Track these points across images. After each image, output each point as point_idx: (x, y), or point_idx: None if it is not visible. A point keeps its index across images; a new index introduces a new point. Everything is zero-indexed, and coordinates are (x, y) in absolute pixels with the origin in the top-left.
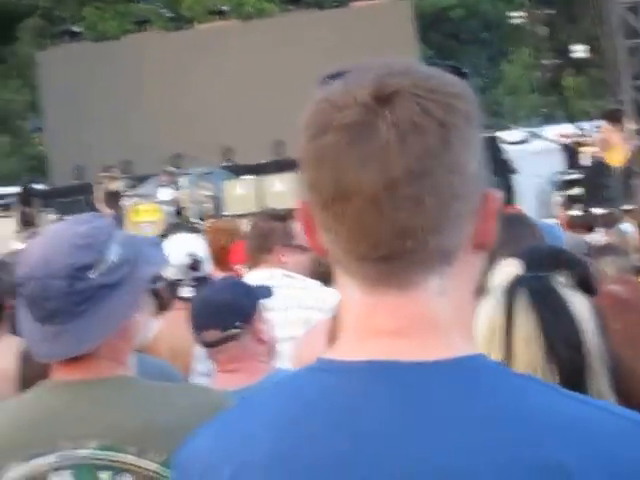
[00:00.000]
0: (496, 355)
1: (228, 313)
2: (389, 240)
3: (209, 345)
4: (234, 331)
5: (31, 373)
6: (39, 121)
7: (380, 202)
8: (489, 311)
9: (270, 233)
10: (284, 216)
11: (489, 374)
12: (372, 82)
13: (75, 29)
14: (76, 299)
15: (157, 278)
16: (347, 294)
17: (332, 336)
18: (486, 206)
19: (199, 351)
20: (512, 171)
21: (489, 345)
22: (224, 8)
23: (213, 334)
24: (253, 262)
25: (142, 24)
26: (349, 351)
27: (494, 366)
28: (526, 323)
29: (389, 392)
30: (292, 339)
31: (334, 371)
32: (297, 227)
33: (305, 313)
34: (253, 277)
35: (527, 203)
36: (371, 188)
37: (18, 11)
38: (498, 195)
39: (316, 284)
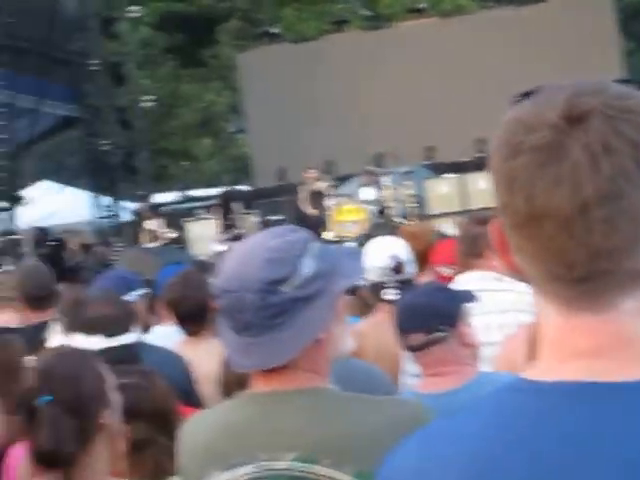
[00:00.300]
0: None
1: (433, 316)
2: (583, 262)
3: (414, 349)
4: (439, 334)
5: (232, 379)
6: (241, 123)
7: (573, 224)
8: None
9: (479, 237)
10: (493, 218)
11: None
12: (563, 102)
13: (273, 30)
14: (269, 313)
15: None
16: (544, 315)
17: (531, 344)
18: None
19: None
20: None
21: None
22: (422, 5)
23: (418, 337)
24: (463, 266)
25: (340, 24)
26: (547, 371)
27: None
28: None
29: (580, 414)
30: (496, 343)
31: (532, 391)
32: None
33: (517, 316)
34: (464, 280)
35: None
36: (563, 210)
37: (217, 14)
38: None
39: (526, 287)
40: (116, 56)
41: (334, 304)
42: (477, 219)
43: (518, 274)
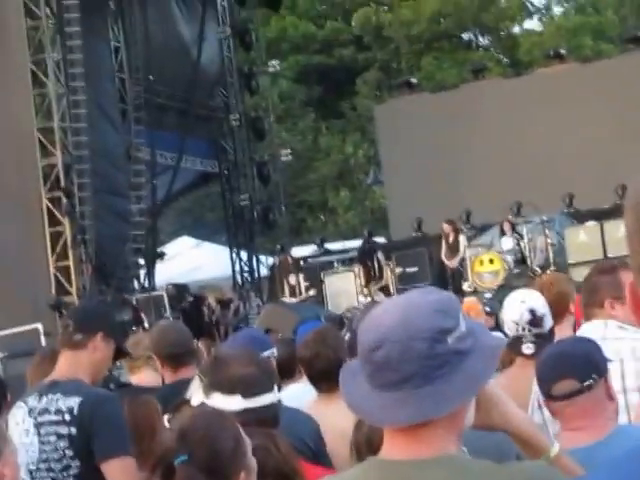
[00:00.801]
0: None
1: (585, 364)
2: None
3: (562, 397)
4: (590, 382)
5: (362, 440)
6: (379, 174)
7: None
8: None
9: (601, 286)
10: (614, 268)
11: None
12: None
13: (413, 80)
14: (434, 363)
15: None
16: None
17: None
18: None
19: (535, 402)
20: None
21: None
22: (562, 51)
23: (569, 384)
24: (585, 315)
25: (480, 72)
26: None
27: None
28: None
29: None
30: (629, 391)
31: None
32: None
33: (636, 365)
34: (586, 329)
35: None
36: None
37: (356, 65)
38: None
39: None
40: (256, 110)
41: (493, 358)
42: (600, 268)
43: None
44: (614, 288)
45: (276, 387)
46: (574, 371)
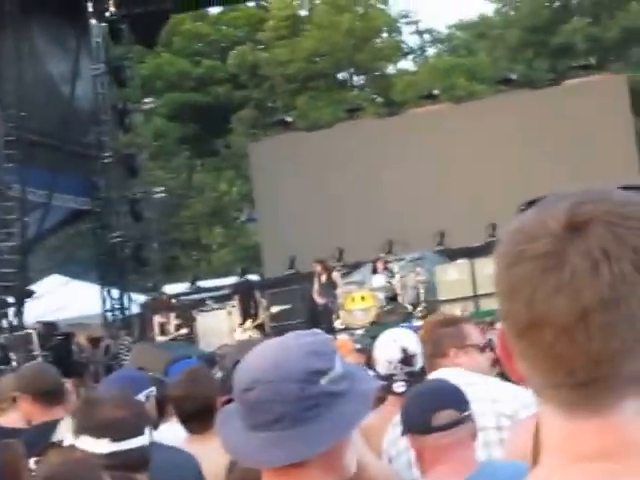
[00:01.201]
0: None
1: (462, 396)
2: (584, 368)
3: (442, 427)
4: (468, 413)
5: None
6: (253, 212)
7: (573, 331)
8: None
9: (444, 338)
10: (456, 320)
11: None
12: (565, 211)
13: (287, 118)
14: (305, 404)
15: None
16: (545, 419)
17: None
18: None
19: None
20: None
21: None
22: (435, 92)
23: (449, 414)
24: (430, 365)
25: (354, 111)
26: (550, 475)
27: None
28: None
29: None
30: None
31: None
32: (469, 328)
33: (493, 406)
34: (434, 377)
35: None
36: (563, 317)
37: (231, 103)
38: None
39: (496, 381)
40: (129, 148)
41: (364, 403)
42: (442, 321)
43: (521, 381)
44: (458, 339)
45: (148, 430)
46: (454, 402)
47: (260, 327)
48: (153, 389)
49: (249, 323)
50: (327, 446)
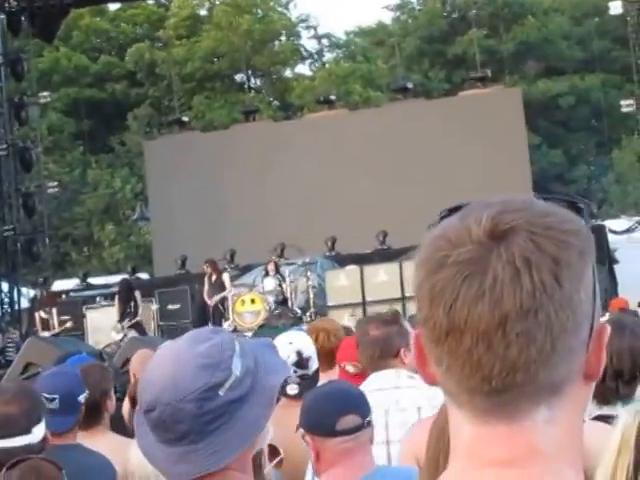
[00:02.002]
0: (622, 465)
1: (365, 402)
2: (500, 374)
3: (347, 432)
4: (370, 419)
5: None
6: (146, 210)
7: (492, 338)
8: (626, 423)
9: (392, 336)
10: (396, 317)
11: None
12: (487, 219)
13: (184, 118)
14: (207, 419)
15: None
16: (457, 424)
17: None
18: (597, 339)
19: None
20: (615, 261)
21: (617, 455)
22: (332, 97)
23: (352, 419)
24: (375, 367)
25: (251, 113)
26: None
27: None
28: None
29: None
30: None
31: None
32: (408, 326)
33: (434, 412)
34: (379, 377)
35: (631, 293)
36: (483, 324)
37: (129, 100)
38: (607, 328)
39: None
40: (24, 141)
41: (268, 401)
42: (384, 320)
43: (435, 385)
44: (405, 337)
45: (38, 428)
46: (358, 408)
47: (137, 326)
48: (87, 393)
49: (126, 322)
50: (234, 456)
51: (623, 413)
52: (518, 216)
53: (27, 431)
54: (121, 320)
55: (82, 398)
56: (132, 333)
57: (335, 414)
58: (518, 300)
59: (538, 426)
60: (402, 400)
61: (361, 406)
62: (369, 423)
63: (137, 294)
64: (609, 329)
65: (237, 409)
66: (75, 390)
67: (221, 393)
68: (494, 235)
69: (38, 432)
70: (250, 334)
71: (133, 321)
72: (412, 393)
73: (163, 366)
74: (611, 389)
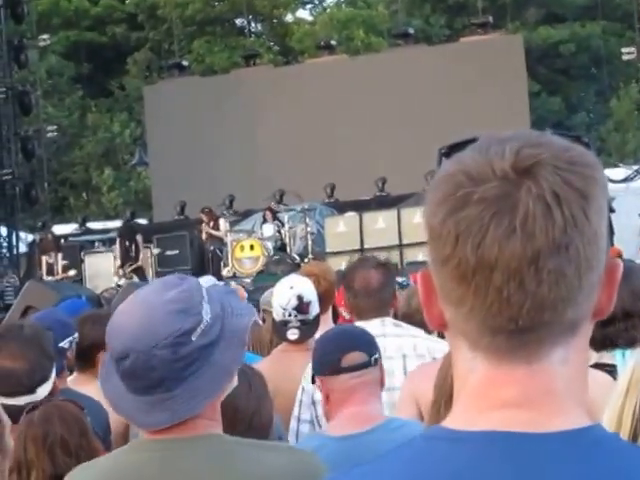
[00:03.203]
0: (630, 404)
1: (370, 341)
2: (529, 313)
3: (351, 368)
4: (377, 357)
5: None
6: (145, 155)
7: (523, 275)
8: (637, 363)
9: (382, 287)
10: (387, 264)
11: (607, 446)
12: (511, 153)
13: (183, 63)
14: (181, 365)
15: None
16: (468, 367)
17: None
18: (610, 275)
19: (306, 398)
20: (612, 210)
21: (625, 395)
22: (332, 42)
23: (358, 356)
24: (363, 315)
25: (251, 58)
26: (469, 420)
27: (612, 437)
28: None
29: (505, 463)
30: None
31: (453, 441)
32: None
33: (419, 361)
34: (365, 326)
35: (627, 241)
36: (515, 261)
37: (129, 44)
38: (620, 264)
39: (421, 332)
40: (23, 84)
41: (238, 345)
42: (377, 264)
43: (440, 328)
44: (395, 282)
45: (41, 389)
46: (362, 345)
47: (138, 271)
48: (76, 335)
49: (127, 267)
50: (210, 400)
51: (633, 355)
52: (541, 150)
53: (31, 391)
54: (122, 264)
55: (66, 343)
56: (134, 278)
57: (339, 351)
58: (551, 235)
59: (554, 367)
60: (388, 348)
61: (366, 344)
62: (376, 361)
63: (139, 238)
64: (621, 265)
65: (209, 354)
66: (55, 336)
67: (193, 338)
68: (520, 169)
69: (42, 391)
70: (249, 280)
71: (134, 266)
72: (398, 342)
73: (133, 313)
74: (618, 330)
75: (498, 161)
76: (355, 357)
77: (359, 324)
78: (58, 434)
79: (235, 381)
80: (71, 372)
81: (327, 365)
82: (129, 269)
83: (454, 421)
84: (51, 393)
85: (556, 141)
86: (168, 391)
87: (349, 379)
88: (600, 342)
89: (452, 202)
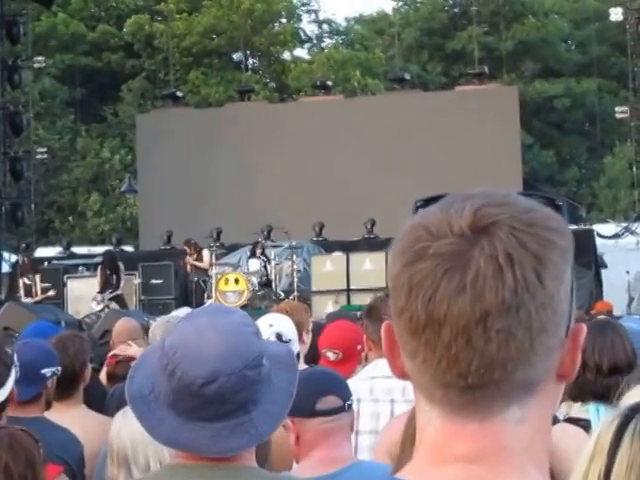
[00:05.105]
0: (594, 471)
1: (346, 386)
2: (477, 371)
3: (326, 412)
4: (350, 402)
5: None
6: (134, 183)
7: (471, 334)
8: (603, 428)
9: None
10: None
11: None
12: (470, 212)
13: (178, 93)
14: (260, 387)
15: None
16: (426, 419)
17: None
18: (573, 339)
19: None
20: (603, 265)
21: (590, 461)
22: (329, 82)
23: (333, 400)
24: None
25: (246, 93)
26: (422, 473)
27: None
28: (630, 449)
29: None
30: None
31: None
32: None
33: (407, 407)
34: (385, 364)
35: (616, 297)
36: (463, 319)
37: (124, 71)
38: (584, 329)
39: None
40: (15, 105)
41: (291, 367)
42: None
43: (403, 378)
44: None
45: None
46: (338, 390)
47: (118, 299)
48: (59, 369)
49: (107, 294)
50: (279, 424)
51: (603, 418)
52: (501, 210)
53: None
54: (102, 291)
55: (48, 372)
56: (113, 305)
57: (315, 394)
58: (500, 296)
59: (509, 425)
60: (375, 390)
61: (341, 389)
62: (349, 407)
63: (121, 266)
64: (585, 329)
65: (272, 377)
66: (38, 362)
67: (264, 361)
68: (476, 228)
69: None
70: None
71: (114, 294)
72: (387, 384)
73: (209, 337)
74: (589, 382)
75: (457, 218)
76: (331, 401)
77: (383, 361)
78: (2, 460)
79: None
80: (48, 406)
81: (301, 407)
82: (109, 296)
83: (410, 472)
84: (7, 401)
85: (520, 202)
86: (247, 413)
87: (322, 422)
88: (572, 393)
89: (409, 255)
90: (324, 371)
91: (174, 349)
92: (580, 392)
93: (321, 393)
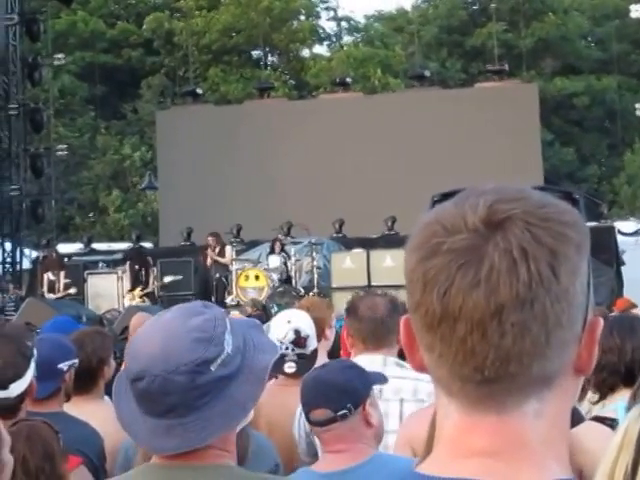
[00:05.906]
0: (622, 463)
1: (340, 394)
2: (493, 364)
3: (317, 424)
4: (344, 412)
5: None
6: (154, 180)
7: (486, 327)
8: (630, 422)
9: (389, 313)
10: (393, 297)
11: None
12: (484, 207)
13: (198, 90)
14: (197, 393)
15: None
16: (445, 412)
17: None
18: (589, 333)
19: (302, 432)
20: (623, 263)
21: (617, 455)
22: (348, 80)
23: (322, 413)
24: (368, 342)
25: (265, 90)
26: (441, 467)
27: None
28: None
29: None
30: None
31: None
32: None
33: (417, 406)
34: (363, 362)
35: (636, 294)
36: (478, 313)
37: (144, 68)
38: (601, 322)
39: (426, 376)
40: (35, 102)
41: (257, 381)
42: (384, 293)
43: (422, 371)
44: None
45: (14, 385)
46: (328, 402)
47: (149, 295)
48: (76, 361)
49: (138, 291)
50: (222, 433)
51: (630, 411)
52: (515, 205)
53: (3, 387)
54: (133, 288)
55: (64, 366)
56: (145, 302)
57: (306, 406)
58: (514, 290)
59: (527, 418)
60: (385, 390)
61: (333, 399)
62: (345, 415)
63: (149, 262)
64: (602, 323)
65: (225, 386)
66: (55, 356)
67: (212, 369)
68: (490, 224)
69: (15, 388)
70: (253, 318)
71: (147, 290)
72: (397, 384)
73: (154, 336)
74: (619, 372)
75: (471, 214)
76: (319, 414)
77: (362, 358)
78: (20, 453)
79: (250, 416)
80: (68, 398)
81: (305, 415)
82: (142, 293)
83: (429, 466)
84: (27, 392)
85: (534, 197)
86: (179, 417)
87: (319, 432)
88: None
89: (424, 250)
90: (320, 379)
91: (131, 340)
92: (612, 388)
93: (310, 406)
